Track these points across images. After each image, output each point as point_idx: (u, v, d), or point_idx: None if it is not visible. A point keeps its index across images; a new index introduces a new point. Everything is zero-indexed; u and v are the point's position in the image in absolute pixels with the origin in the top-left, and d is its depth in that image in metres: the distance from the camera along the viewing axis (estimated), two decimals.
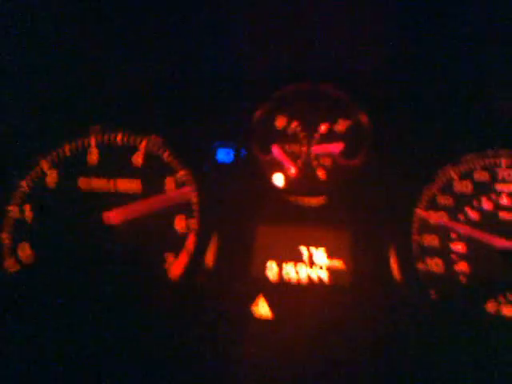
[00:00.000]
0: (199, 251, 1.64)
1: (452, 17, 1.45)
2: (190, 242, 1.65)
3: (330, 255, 1.61)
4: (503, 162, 1.65)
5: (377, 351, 1.45)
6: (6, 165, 1.77)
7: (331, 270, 1.59)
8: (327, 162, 1.77)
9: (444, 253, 1.58)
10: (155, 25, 1.58)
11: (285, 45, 1.68)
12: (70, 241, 1.67)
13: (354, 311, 1.52)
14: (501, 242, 1.55)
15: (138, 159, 1.76)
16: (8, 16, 1.46)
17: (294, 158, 1.78)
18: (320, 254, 1.62)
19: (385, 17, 1.50)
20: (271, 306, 1.56)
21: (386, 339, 1.46)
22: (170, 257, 1.64)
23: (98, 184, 1.74)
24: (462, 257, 1.57)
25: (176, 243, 1.65)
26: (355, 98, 1.78)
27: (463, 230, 1.59)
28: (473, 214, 1.61)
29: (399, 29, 1.54)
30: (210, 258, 1.64)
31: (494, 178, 1.64)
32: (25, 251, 1.68)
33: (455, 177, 1.66)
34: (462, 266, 1.56)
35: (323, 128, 1.79)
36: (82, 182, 1.75)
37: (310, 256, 1.62)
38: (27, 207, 1.73)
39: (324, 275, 1.59)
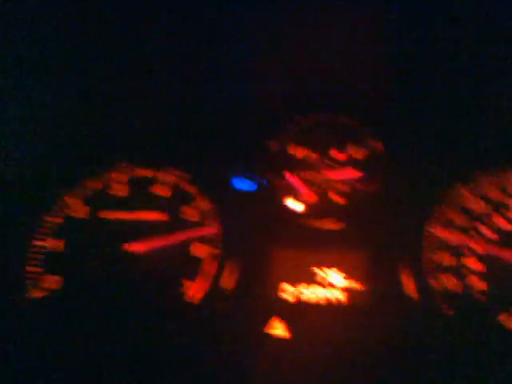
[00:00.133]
0: (220, 276, 1.68)
1: (457, 34, 1.54)
2: (210, 267, 1.69)
3: (347, 276, 1.64)
4: None
5: (394, 369, 1.45)
6: (31, 199, 1.83)
7: (348, 291, 1.62)
8: (344, 187, 1.82)
9: (457, 269, 1.60)
10: (171, 58, 1.69)
11: (298, 75, 1.77)
12: (95, 271, 1.72)
13: (371, 331, 1.53)
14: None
15: (159, 191, 1.83)
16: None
17: (309, 184, 1.84)
18: (337, 276, 1.65)
19: (392, 42, 1.59)
20: (289, 328, 1.58)
21: (403, 358, 1.46)
22: (187, 282, 1.68)
23: (122, 216, 1.80)
24: (474, 272, 1.58)
25: (195, 269, 1.70)
26: (367, 125, 1.86)
27: (477, 247, 1.61)
28: (485, 231, 1.63)
29: (406, 55, 1.62)
30: (230, 283, 1.67)
31: (506, 195, 1.67)
32: (51, 284, 1.71)
33: (467, 195, 1.69)
34: (476, 282, 1.57)
35: (337, 154, 1.86)
36: (105, 215, 1.80)
37: (327, 278, 1.65)
38: (52, 241, 1.78)
39: (341, 296, 1.62)
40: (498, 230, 1.63)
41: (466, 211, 1.68)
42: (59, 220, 1.81)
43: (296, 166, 1.88)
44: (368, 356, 1.48)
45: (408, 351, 1.47)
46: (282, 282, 1.67)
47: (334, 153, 1.88)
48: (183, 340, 1.60)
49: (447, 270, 1.60)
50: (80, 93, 1.83)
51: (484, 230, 1.63)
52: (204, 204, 1.80)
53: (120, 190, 1.86)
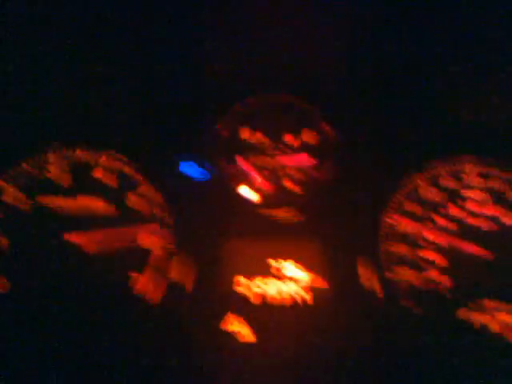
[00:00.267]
0: (171, 270, 1.61)
1: (416, 22, 1.49)
2: (159, 260, 1.61)
3: (304, 269, 1.61)
4: (468, 167, 1.68)
5: (355, 365, 1.45)
6: None
7: (305, 285, 1.58)
8: (299, 175, 1.76)
9: (416, 262, 1.59)
10: (117, 35, 1.56)
11: (246, 55, 1.69)
12: (34, 264, 1.60)
13: (327, 326, 1.52)
14: (469, 248, 1.57)
15: (101, 177, 1.71)
16: None
17: (262, 170, 1.77)
18: (293, 268, 1.61)
19: (347, 26, 1.53)
20: (245, 323, 1.54)
21: (362, 353, 1.46)
22: (134, 274, 1.60)
23: (62, 203, 1.68)
24: (431, 264, 1.59)
25: (141, 260, 1.62)
26: (320, 109, 1.80)
27: (433, 238, 1.61)
28: (440, 221, 1.63)
29: (361, 39, 1.58)
30: (182, 277, 1.60)
31: (460, 185, 1.67)
32: None
33: (421, 183, 1.68)
34: (431, 274, 1.57)
35: (290, 140, 1.78)
36: (43, 200, 1.68)
37: (283, 270, 1.61)
38: None
39: (297, 290, 1.58)
40: (454, 221, 1.63)
41: (422, 201, 1.67)
42: None
43: (247, 150, 1.80)
44: (324, 352, 1.47)
45: (367, 346, 1.47)
46: (237, 275, 1.61)
47: (286, 137, 1.80)
48: (133, 336, 1.53)
49: (405, 262, 1.60)
50: (15, 69, 1.67)
51: (440, 220, 1.63)
52: (150, 192, 1.69)
53: (59, 175, 1.72)
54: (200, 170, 1.75)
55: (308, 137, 1.79)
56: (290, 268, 1.61)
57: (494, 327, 1.47)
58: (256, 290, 1.59)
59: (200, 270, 1.63)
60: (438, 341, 1.47)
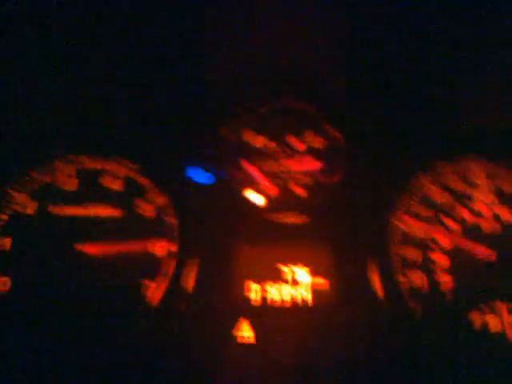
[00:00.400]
0: (179, 276, 1.61)
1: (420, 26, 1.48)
2: (169, 266, 1.62)
3: (312, 273, 1.61)
4: (475, 168, 1.69)
5: (362, 369, 1.44)
6: None
7: (313, 289, 1.58)
8: (305, 179, 1.76)
9: (424, 264, 1.59)
10: (120, 47, 1.57)
11: (249, 59, 1.69)
12: (47, 270, 1.61)
13: (337, 331, 1.51)
14: (480, 250, 1.57)
15: (110, 184, 1.73)
16: None
17: (268, 174, 1.78)
18: (302, 273, 1.61)
19: (349, 27, 1.53)
20: (253, 328, 1.54)
21: (371, 358, 1.45)
22: (147, 282, 1.60)
23: (72, 211, 1.69)
24: (442, 267, 1.58)
25: (153, 268, 1.62)
26: (326, 113, 1.80)
27: (442, 240, 1.61)
28: (450, 223, 1.63)
29: (367, 45, 1.57)
30: (190, 283, 1.60)
31: (467, 185, 1.67)
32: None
33: (429, 184, 1.68)
34: (443, 277, 1.57)
35: (296, 143, 1.79)
36: (55, 210, 1.69)
37: (292, 275, 1.61)
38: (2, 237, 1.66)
39: (306, 294, 1.58)
40: (462, 222, 1.63)
41: (429, 202, 1.67)
42: (5, 216, 1.69)
43: (254, 155, 1.80)
44: (335, 356, 1.46)
45: (376, 351, 1.46)
46: (246, 280, 1.61)
47: (292, 141, 1.80)
48: (143, 344, 1.53)
49: (414, 265, 1.59)
50: (25, 82, 1.68)
51: (448, 221, 1.63)
52: (159, 198, 1.70)
53: (69, 183, 1.74)
54: (206, 174, 1.75)
55: (313, 140, 1.80)
56: (298, 273, 1.61)
57: (505, 329, 1.48)
58: (265, 295, 1.59)
59: (207, 275, 1.62)
60: (446, 343, 1.48)
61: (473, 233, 1.61)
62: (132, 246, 1.65)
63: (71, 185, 1.74)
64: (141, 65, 1.68)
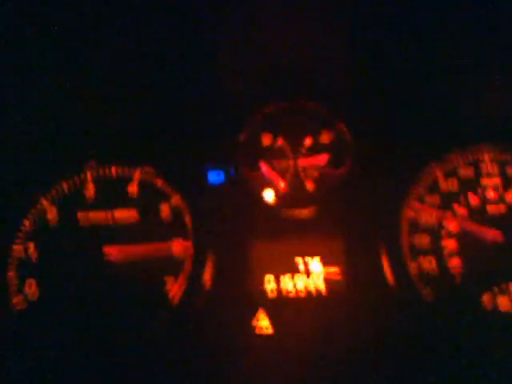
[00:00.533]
0: (196, 274, 1.67)
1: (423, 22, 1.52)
2: (189, 265, 1.69)
3: (325, 264, 1.65)
4: (486, 156, 1.68)
5: (377, 357, 1.46)
6: (7, 204, 1.80)
7: (327, 280, 1.62)
8: (315, 173, 1.81)
9: (436, 250, 1.60)
10: (140, 55, 1.66)
11: (264, 64, 1.75)
12: (74, 276, 1.70)
13: (352, 319, 1.54)
14: (492, 234, 1.57)
15: (132, 189, 1.81)
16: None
17: (282, 172, 1.83)
18: (315, 264, 1.65)
19: (358, 30, 1.57)
20: (271, 320, 1.59)
21: (386, 345, 1.47)
22: (169, 281, 1.68)
23: (97, 216, 1.78)
24: (451, 252, 1.59)
25: (175, 267, 1.69)
26: (334, 110, 1.84)
27: (453, 226, 1.61)
28: (461, 210, 1.63)
29: (372, 41, 1.60)
30: (207, 280, 1.67)
31: (479, 173, 1.67)
32: (31, 288, 1.70)
33: (440, 175, 1.69)
34: (453, 261, 1.57)
35: (308, 141, 1.84)
36: (82, 216, 1.78)
37: (306, 266, 1.65)
38: (31, 245, 1.75)
39: (321, 285, 1.62)
40: (469, 206, 1.63)
41: (441, 191, 1.67)
42: (35, 224, 1.79)
43: (268, 155, 1.86)
44: (351, 347, 1.50)
45: (391, 339, 1.48)
46: (260, 274, 1.67)
47: (303, 139, 1.85)
48: (167, 341, 1.61)
49: (427, 252, 1.60)
50: (52, 93, 1.78)
51: (459, 209, 1.63)
52: (176, 200, 1.78)
53: (95, 191, 1.83)
54: (224, 176, 1.82)
55: (327, 138, 1.84)
56: (311, 263, 1.65)
57: None
58: (284, 288, 1.64)
59: (226, 271, 1.68)
60: (458, 326, 1.47)
61: (479, 216, 1.61)
62: (154, 247, 1.73)
63: (97, 192, 1.83)
64: (162, 75, 1.76)
